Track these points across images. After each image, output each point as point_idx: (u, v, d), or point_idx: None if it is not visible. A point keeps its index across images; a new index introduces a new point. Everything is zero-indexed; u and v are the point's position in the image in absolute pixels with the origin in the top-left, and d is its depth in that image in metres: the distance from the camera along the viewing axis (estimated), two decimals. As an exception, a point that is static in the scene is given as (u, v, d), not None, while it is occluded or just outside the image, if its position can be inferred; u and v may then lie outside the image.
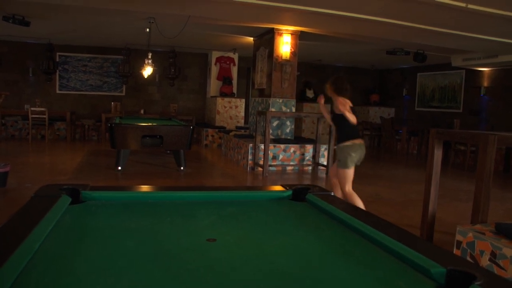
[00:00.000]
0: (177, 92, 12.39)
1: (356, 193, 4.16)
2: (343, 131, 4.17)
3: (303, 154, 7.82)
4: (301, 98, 12.02)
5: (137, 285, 1.06)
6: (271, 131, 7.90)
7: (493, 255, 2.62)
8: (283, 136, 8.14)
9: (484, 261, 2.68)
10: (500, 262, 2.57)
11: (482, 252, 2.72)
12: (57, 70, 11.22)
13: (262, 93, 8.42)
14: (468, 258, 2.77)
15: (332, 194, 2.03)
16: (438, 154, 3.65)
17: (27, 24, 7.28)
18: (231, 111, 11.44)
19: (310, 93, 12.50)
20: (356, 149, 4.09)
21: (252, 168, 7.47)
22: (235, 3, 5.54)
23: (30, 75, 11.24)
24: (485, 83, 10.38)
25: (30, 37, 10.22)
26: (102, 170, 6.89)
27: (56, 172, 6.65)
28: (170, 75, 11.36)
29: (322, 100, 4.45)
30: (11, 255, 1.09)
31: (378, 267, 1.24)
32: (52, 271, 1.09)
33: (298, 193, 2.03)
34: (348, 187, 4.15)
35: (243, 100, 11.70)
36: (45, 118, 10.07)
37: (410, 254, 1.25)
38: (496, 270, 2.58)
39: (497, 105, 10.05)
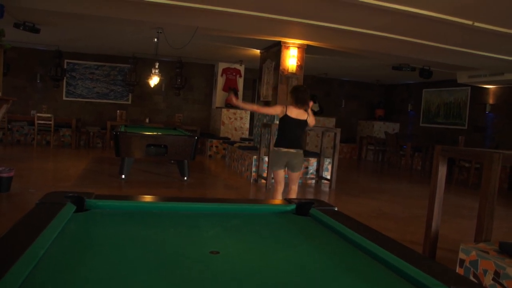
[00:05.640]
0: (182, 102, 12.45)
1: (360, 208, 4.17)
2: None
3: (306, 168, 7.81)
4: (306, 111, 12.02)
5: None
6: (275, 143, 7.89)
7: (497, 274, 2.60)
8: (287, 149, 8.12)
9: (488, 281, 2.66)
10: (504, 282, 2.55)
11: (485, 271, 2.69)
12: (65, 77, 11.33)
13: (267, 105, 8.43)
14: (471, 277, 2.75)
15: (336, 209, 2.03)
16: (442, 171, 3.64)
17: (37, 31, 7.37)
18: (236, 122, 11.47)
19: (315, 107, 12.52)
20: (278, 155, 4.56)
21: (256, 180, 7.47)
22: (243, 16, 5.60)
23: (38, 81, 11.36)
24: (491, 100, 10.38)
25: (40, 44, 10.34)
26: (105, 177, 6.91)
27: (60, 178, 6.67)
28: (176, 85, 11.44)
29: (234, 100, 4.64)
30: (16, 262, 1.10)
31: (381, 284, 1.24)
32: (56, 279, 1.10)
33: (302, 207, 2.03)
34: (276, 185, 4.68)
35: (248, 111, 11.71)
36: (50, 124, 10.14)
37: (413, 272, 1.24)
38: (499, 290, 2.56)
39: (503, 123, 10.03)
